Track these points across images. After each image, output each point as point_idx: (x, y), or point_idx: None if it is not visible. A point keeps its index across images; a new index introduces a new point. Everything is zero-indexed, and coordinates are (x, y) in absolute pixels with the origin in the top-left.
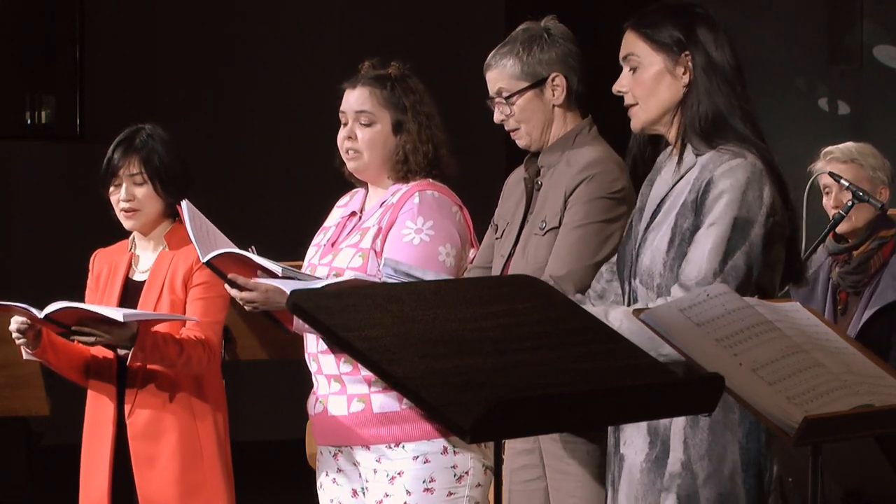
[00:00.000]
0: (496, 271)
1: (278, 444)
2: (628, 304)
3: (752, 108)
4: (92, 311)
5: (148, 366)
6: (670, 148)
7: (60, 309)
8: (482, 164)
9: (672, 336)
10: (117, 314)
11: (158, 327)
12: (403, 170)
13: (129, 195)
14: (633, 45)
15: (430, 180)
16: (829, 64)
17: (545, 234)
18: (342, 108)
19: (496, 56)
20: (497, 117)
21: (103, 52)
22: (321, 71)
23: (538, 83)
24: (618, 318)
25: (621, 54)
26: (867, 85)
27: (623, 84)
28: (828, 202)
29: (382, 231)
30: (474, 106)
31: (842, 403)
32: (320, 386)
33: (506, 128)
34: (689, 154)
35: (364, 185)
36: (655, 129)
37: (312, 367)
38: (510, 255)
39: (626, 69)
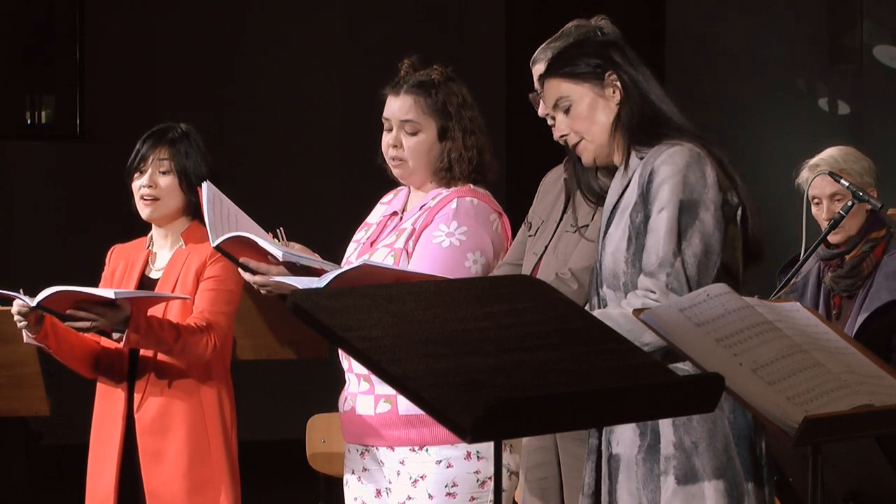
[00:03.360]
0: (527, 269)
1: (278, 444)
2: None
3: (683, 112)
4: (83, 293)
5: (142, 349)
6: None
7: (52, 294)
8: None
9: (672, 336)
10: (108, 293)
11: (157, 313)
12: (447, 177)
13: (151, 181)
14: (557, 89)
15: (471, 186)
16: (829, 64)
17: (576, 231)
18: (385, 114)
19: (546, 50)
20: (541, 111)
21: (103, 52)
22: (323, 70)
23: None
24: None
25: (549, 104)
26: (867, 85)
27: (562, 128)
28: (818, 213)
29: (416, 232)
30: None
31: (842, 403)
32: (351, 384)
33: (550, 122)
34: (633, 159)
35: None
36: (606, 158)
37: (344, 364)
38: (543, 254)
39: (559, 115)
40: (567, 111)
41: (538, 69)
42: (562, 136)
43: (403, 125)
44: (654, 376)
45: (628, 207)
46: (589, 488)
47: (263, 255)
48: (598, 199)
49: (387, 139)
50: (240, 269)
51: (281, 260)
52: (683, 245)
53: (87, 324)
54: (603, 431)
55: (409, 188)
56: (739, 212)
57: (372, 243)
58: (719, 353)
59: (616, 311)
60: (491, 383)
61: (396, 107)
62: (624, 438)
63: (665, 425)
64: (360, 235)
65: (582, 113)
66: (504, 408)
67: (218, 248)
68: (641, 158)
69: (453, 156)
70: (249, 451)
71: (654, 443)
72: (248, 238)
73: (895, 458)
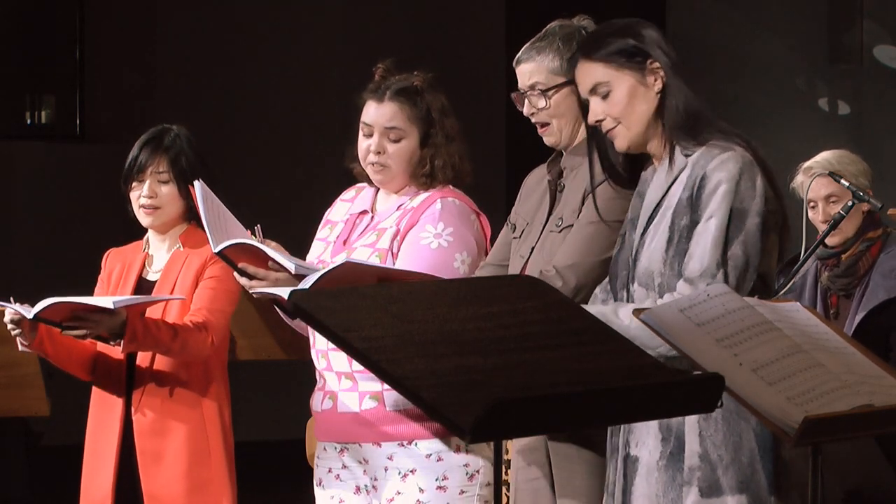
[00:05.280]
0: (514, 271)
1: (278, 444)
2: None
3: (703, 95)
4: (81, 303)
5: (140, 351)
6: (651, 168)
7: (49, 306)
8: (481, 167)
9: (672, 336)
10: (107, 302)
11: (157, 314)
12: (428, 181)
13: (151, 192)
14: (594, 74)
15: (451, 187)
16: (829, 64)
17: (561, 230)
18: (366, 119)
19: (531, 50)
20: (527, 110)
21: (103, 52)
22: (322, 70)
23: (574, 80)
24: (628, 315)
25: (585, 87)
26: (867, 85)
27: (598, 112)
28: (815, 216)
29: (401, 233)
30: (474, 107)
31: (842, 403)
32: (328, 382)
33: (534, 120)
34: (678, 156)
35: (371, 181)
36: (639, 146)
37: (321, 363)
38: (530, 256)
39: (595, 99)
40: (605, 97)
41: (525, 69)
42: (596, 122)
43: (387, 132)
44: (654, 376)
45: (671, 207)
46: (613, 486)
47: (263, 260)
48: (623, 183)
49: (366, 144)
50: (236, 274)
51: (293, 272)
52: (728, 255)
53: (84, 332)
54: (621, 431)
55: (376, 188)
56: (781, 221)
57: (344, 242)
58: (719, 353)
59: (635, 324)
60: (491, 383)
61: (380, 113)
62: (645, 442)
63: (691, 433)
64: (326, 234)
65: (621, 100)
66: (504, 408)
67: (219, 253)
68: (687, 156)
69: (438, 163)
70: (249, 451)
71: (678, 451)
72: (250, 246)
73: (895, 458)
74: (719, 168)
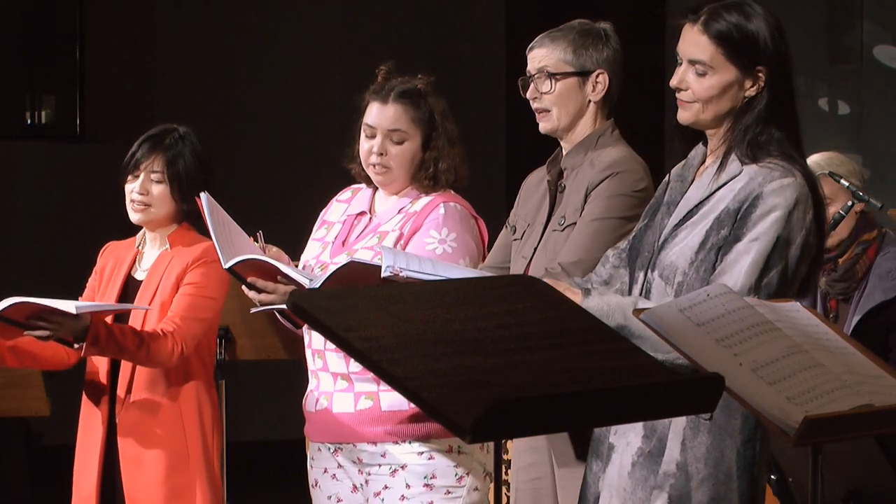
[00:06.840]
0: (516, 272)
1: (278, 444)
2: (642, 295)
3: (798, 122)
4: (44, 305)
5: (103, 356)
6: (701, 151)
7: (12, 305)
8: (482, 171)
9: (672, 336)
10: (70, 307)
11: (138, 318)
12: (430, 184)
13: (143, 189)
14: (701, 50)
15: (451, 191)
16: (829, 64)
17: (564, 229)
18: (370, 121)
19: (546, 38)
20: (530, 93)
21: (103, 52)
22: (321, 71)
23: (583, 74)
24: None
25: (687, 54)
26: (867, 85)
27: (683, 81)
28: None
29: (405, 237)
30: (475, 110)
31: (842, 403)
32: (322, 383)
33: (535, 106)
34: (733, 161)
35: (369, 182)
36: (700, 127)
37: (316, 363)
38: (532, 256)
39: (688, 69)
40: (699, 74)
41: (536, 54)
42: (676, 87)
43: (391, 134)
44: (654, 376)
45: (714, 212)
46: (589, 472)
47: (272, 274)
48: (685, 147)
49: (369, 146)
50: (244, 287)
51: (308, 288)
52: (764, 282)
53: (46, 333)
54: None
55: (373, 188)
56: (815, 254)
57: (343, 243)
58: (719, 353)
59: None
60: (491, 383)
61: (384, 115)
62: (625, 433)
63: (674, 439)
64: (322, 234)
65: (711, 88)
66: (504, 408)
67: (229, 269)
68: (744, 163)
69: (442, 166)
70: (250, 451)
71: (657, 453)
72: (260, 261)
73: (895, 458)
74: (777, 193)
